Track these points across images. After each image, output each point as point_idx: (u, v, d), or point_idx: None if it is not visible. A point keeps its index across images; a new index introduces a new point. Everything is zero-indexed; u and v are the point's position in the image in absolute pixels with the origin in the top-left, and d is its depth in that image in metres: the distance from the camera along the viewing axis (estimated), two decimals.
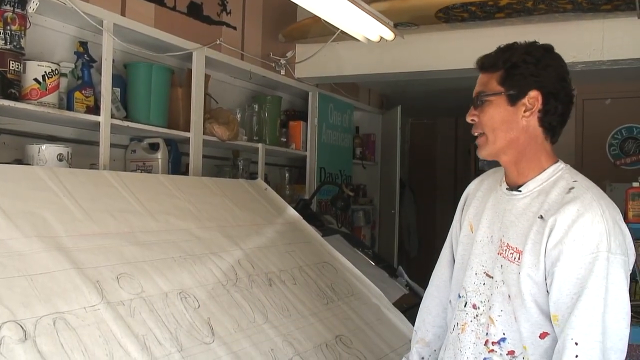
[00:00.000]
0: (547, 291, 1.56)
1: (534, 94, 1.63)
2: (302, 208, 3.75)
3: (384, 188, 5.76)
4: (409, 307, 3.51)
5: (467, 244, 1.82)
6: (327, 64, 4.26)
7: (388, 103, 6.07)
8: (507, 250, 1.64)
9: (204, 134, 3.42)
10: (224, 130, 3.50)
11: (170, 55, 3.28)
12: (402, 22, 3.56)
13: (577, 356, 1.46)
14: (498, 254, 1.67)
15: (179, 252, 2.29)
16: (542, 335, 1.59)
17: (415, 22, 3.63)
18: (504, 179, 1.75)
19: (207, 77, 3.52)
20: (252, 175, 3.84)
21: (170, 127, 3.22)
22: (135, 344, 1.76)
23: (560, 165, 1.68)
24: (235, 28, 3.80)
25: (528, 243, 1.59)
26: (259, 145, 3.90)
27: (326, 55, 4.11)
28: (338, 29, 3.28)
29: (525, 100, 1.64)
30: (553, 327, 1.56)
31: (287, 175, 4.50)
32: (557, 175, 1.65)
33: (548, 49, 1.69)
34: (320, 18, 3.14)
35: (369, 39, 3.27)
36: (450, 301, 1.87)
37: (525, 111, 1.64)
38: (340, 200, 4.03)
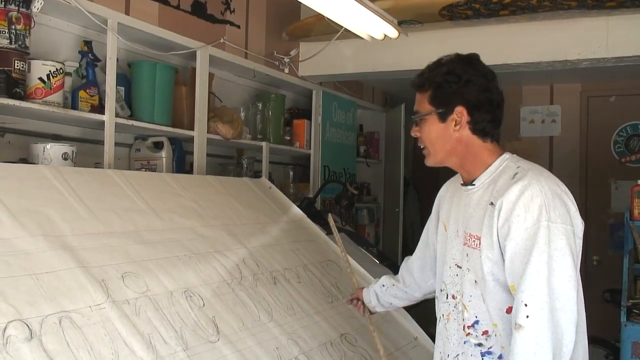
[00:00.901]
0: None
1: (459, 109, 1.80)
2: (306, 206, 3.74)
3: (388, 186, 5.75)
4: (413, 305, 3.52)
5: (443, 242, 1.97)
6: (330, 62, 4.25)
7: (392, 101, 6.06)
8: (470, 239, 1.80)
9: (208, 132, 3.42)
10: (228, 129, 3.50)
11: (174, 54, 3.28)
12: (406, 20, 3.55)
13: (527, 316, 1.61)
14: (464, 244, 1.83)
15: (184, 250, 2.29)
16: (508, 310, 1.72)
17: (419, 20, 3.62)
18: (461, 179, 1.93)
19: (211, 76, 3.52)
20: (256, 174, 3.85)
21: (174, 125, 3.22)
22: (140, 342, 1.76)
23: (506, 156, 1.83)
24: (239, 26, 3.80)
25: (483, 228, 1.75)
26: (263, 143, 3.90)
27: (330, 53, 4.10)
28: (342, 27, 3.27)
29: (454, 115, 1.81)
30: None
31: (291, 173, 4.50)
32: (504, 165, 1.80)
33: (470, 62, 1.84)
34: (323, 16, 3.13)
35: (372, 37, 3.26)
36: (436, 295, 2.03)
37: (455, 125, 1.81)
38: (345, 199, 4.02)
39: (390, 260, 3.99)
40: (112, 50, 2.78)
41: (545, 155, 5.85)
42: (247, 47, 3.88)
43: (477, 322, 1.79)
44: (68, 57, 2.75)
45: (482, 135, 1.82)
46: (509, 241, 1.68)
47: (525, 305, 1.61)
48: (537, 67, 3.96)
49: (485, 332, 1.77)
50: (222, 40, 3.57)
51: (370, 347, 2.57)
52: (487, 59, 4.12)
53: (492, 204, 1.74)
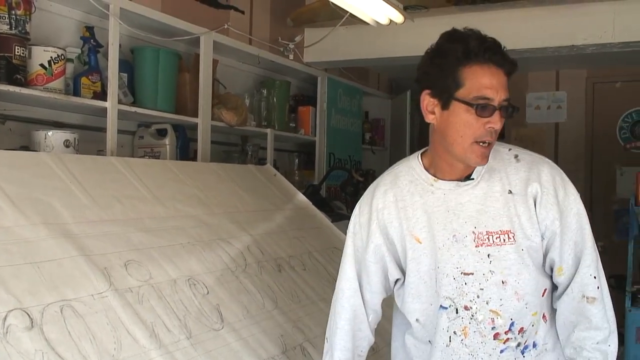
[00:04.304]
0: (543, 251, 1.66)
1: None
2: (311, 193, 3.72)
3: None
4: None
5: (427, 255, 1.68)
6: (335, 49, 4.22)
7: (397, 88, 6.02)
8: (491, 237, 1.64)
9: (212, 119, 3.39)
10: (232, 116, 3.47)
11: (178, 39, 3.24)
12: (411, 5, 3.51)
13: (598, 287, 1.62)
14: (477, 246, 1.63)
15: (187, 238, 2.27)
16: (543, 293, 1.68)
17: (425, 5, 3.58)
18: (433, 178, 1.68)
19: (215, 62, 3.49)
20: (261, 161, 3.82)
21: (178, 112, 3.19)
22: (143, 330, 1.74)
23: None
24: (243, 12, 3.76)
25: (515, 219, 1.62)
26: (268, 130, 3.87)
27: (335, 39, 4.06)
28: (347, 12, 3.23)
29: None
30: (549, 280, 1.69)
31: (296, 160, 4.48)
32: None
33: None
34: (328, 1, 3.09)
35: (378, 22, 3.22)
36: (417, 319, 1.75)
37: None
38: (350, 186, 4.00)
39: None
40: (114, 36, 2.75)
41: (551, 141, 5.81)
42: (251, 33, 3.84)
43: (512, 323, 1.66)
44: (69, 43, 2.72)
45: None
46: (562, 223, 1.62)
47: (594, 277, 1.62)
48: (543, 52, 3.92)
49: (521, 330, 1.67)
50: (226, 26, 3.54)
51: (375, 334, 2.55)
52: None
53: (511, 192, 1.63)
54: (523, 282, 1.64)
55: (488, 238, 1.63)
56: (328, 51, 4.23)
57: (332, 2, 3.11)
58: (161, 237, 2.17)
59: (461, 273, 1.65)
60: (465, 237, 1.64)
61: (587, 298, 1.62)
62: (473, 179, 1.66)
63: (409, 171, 1.72)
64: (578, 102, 5.75)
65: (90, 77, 2.66)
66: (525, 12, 3.72)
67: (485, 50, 1.53)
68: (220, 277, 2.21)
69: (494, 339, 1.66)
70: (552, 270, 1.68)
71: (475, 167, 1.65)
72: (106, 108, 2.71)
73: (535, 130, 5.86)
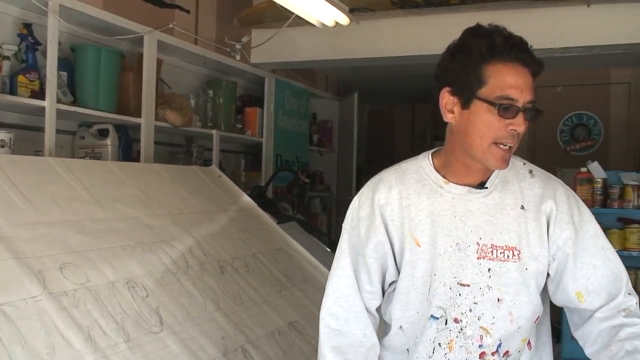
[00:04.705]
0: (548, 273, 1.56)
1: None
2: (258, 195, 3.71)
3: (341, 175, 5.76)
4: None
5: (417, 260, 1.56)
6: (283, 50, 4.22)
7: (345, 90, 6.06)
8: (495, 251, 1.53)
9: (156, 119, 3.35)
10: (176, 116, 3.43)
11: (120, 38, 3.19)
12: (357, 8, 3.54)
13: (636, 302, 1.53)
14: (478, 258, 1.53)
15: (128, 240, 2.23)
16: (536, 319, 1.59)
17: (371, 8, 3.61)
18: (444, 180, 1.57)
19: (159, 62, 3.45)
20: (207, 162, 3.79)
21: (120, 112, 3.14)
22: (78, 335, 1.71)
23: None
24: (188, 12, 3.73)
25: (523, 236, 1.53)
26: (214, 131, 3.85)
27: (282, 40, 4.06)
28: (293, 13, 3.24)
29: None
30: (543, 306, 1.59)
31: (243, 162, 4.46)
32: None
33: None
34: (275, 2, 3.09)
35: (324, 24, 3.24)
36: (401, 327, 1.62)
37: None
38: (296, 187, 4.01)
39: None
40: (53, 34, 2.69)
41: None
42: (197, 33, 3.81)
43: (500, 345, 1.55)
44: (6, 40, 2.65)
45: None
46: (577, 245, 1.53)
47: (629, 294, 1.53)
48: None
49: (507, 353, 1.56)
50: (170, 26, 3.50)
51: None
52: (439, 48, 4.13)
53: (523, 207, 1.54)
54: (520, 303, 1.54)
55: (492, 252, 1.53)
56: (275, 52, 4.23)
57: (278, 4, 3.11)
58: (100, 239, 2.13)
59: (457, 283, 1.54)
60: (469, 247, 1.53)
61: (626, 310, 1.51)
62: (487, 187, 1.55)
63: (417, 170, 1.60)
64: None
65: (27, 75, 2.60)
66: (469, 17, 3.74)
67: (512, 47, 1.42)
68: (161, 280, 2.18)
69: (480, 358, 1.55)
70: (551, 293, 1.59)
71: (490, 175, 1.55)
72: (44, 107, 2.64)
73: None
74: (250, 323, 2.34)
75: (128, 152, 3.26)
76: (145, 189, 2.61)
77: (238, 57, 4.14)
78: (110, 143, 3.08)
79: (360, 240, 1.62)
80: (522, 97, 1.42)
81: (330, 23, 3.21)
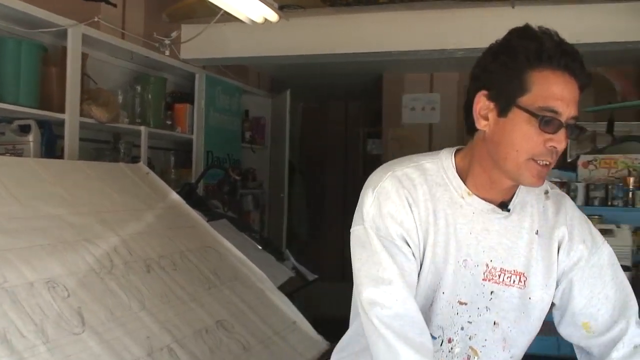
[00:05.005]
0: (553, 302, 1.50)
1: None
2: (188, 193, 3.66)
3: (273, 172, 5.75)
4: (295, 289, 3.54)
5: (423, 271, 1.42)
6: (213, 45, 4.18)
7: (278, 87, 6.05)
8: (502, 275, 1.44)
9: (81, 115, 3.27)
10: (102, 112, 3.36)
11: (43, 31, 3.09)
12: (288, 4, 3.54)
13: None
14: (484, 280, 1.43)
15: (49, 239, 2.16)
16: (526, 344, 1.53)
17: (301, 5, 3.62)
18: (467, 191, 1.42)
19: (84, 56, 3.36)
20: (135, 159, 3.72)
21: (43, 108, 3.04)
22: None
23: None
24: (115, 5, 3.64)
25: (533, 263, 1.44)
26: (142, 128, 3.78)
27: (212, 36, 4.03)
28: (221, 9, 3.21)
29: None
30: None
31: (173, 159, 4.40)
32: None
33: None
34: None
35: (253, 20, 3.23)
36: None
37: None
38: (227, 185, 3.98)
39: (273, 246, 3.99)
40: None
41: (425, 142, 6.04)
42: (124, 28, 3.73)
43: None
44: None
45: None
46: (587, 273, 1.46)
47: (636, 322, 1.45)
48: (416, 55, 4.08)
49: None
50: (96, 19, 3.41)
51: (248, 333, 2.56)
52: (368, 47, 4.21)
53: (537, 232, 1.45)
54: (516, 331, 1.46)
55: (499, 275, 1.44)
56: (205, 48, 4.19)
57: None
58: (18, 238, 2.06)
59: (458, 301, 1.44)
60: (476, 267, 1.43)
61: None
62: (509, 210, 1.43)
63: (439, 172, 1.44)
64: (450, 104, 6.01)
65: None
66: (399, 16, 3.85)
67: (563, 54, 1.29)
68: (84, 279, 2.12)
69: None
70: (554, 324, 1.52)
71: (512, 195, 1.44)
72: None
73: (410, 131, 6.08)
74: (177, 322, 2.31)
75: (51, 148, 3.16)
76: (69, 186, 2.54)
77: (167, 53, 4.07)
78: (32, 139, 2.99)
79: (391, 233, 1.38)
80: (567, 111, 1.29)
81: (259, 19, 3.20)
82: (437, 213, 1.40)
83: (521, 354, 1.50)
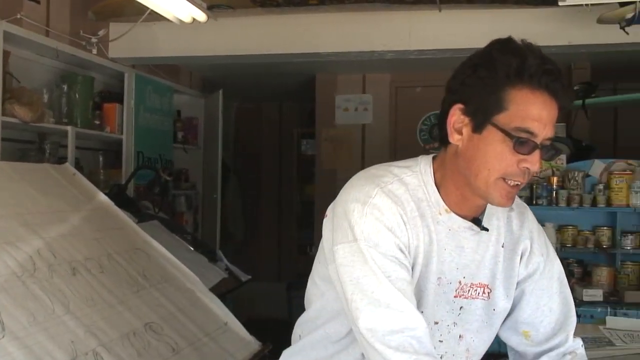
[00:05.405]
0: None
1: None
2: (117, 194, 3.60)
3: (206, 173, 5.71)
4: (228, 290, 3.53)
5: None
6: (142, 44, 4.12)
7: (211, 86, 6.01)
8: (471, 289, 1.42)
9: (3, 115, 3.18)
10: (26, 112, 3.26)
11: None
12: (217, 4, 3.53)
13: (582, 345, 1.50)
14: (455, 297, 1.41)
15: None
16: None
17: (231, 5, 3.61)
18: (445, 207, 1.37)
19: (6, 54, 3.27)
20: (62, 160, 3.62)
21: None
22: None
23: None
24: (38, 2, 3.54)
25: (498, 275, 1.43)
26: (68, 128, 3.69)
27: (141, 35, 3.97)
28: (149, 8, 3.17)
29: None
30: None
31: (102, 159, 4.31)
32: None
33: None
34: None
35: (181, 20, 3.20)
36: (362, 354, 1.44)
37: None
38: (157, 185, 3.92)
39: (206, 247, 3.96)
40: None
41: (358, 142, 6.11)
42: (48, 25, 3.64)
43: None
44: None
45: None
46: (537, 286, 1.47)
47: (575, 339, 1.50)
48: (347, 56, 4.14)
49: None
50: (19, 16, 3.31)
51: (177, 335, 2.54)
52: (298, 48, 4.23)
53: (503, 245, 1.44)
54: (479, 342, 1.46)
55: (469, 290, 1.42)
56: (134, 47, 4.13)
57: None
58: None
59: (433, 322, 1.40)
60: (449, 284, 1.39)
61: (572, 354, 1.47)
62: (487, 230, 1.41)
63: (420, 186, 1.38)
64: (382, 104, 6.10)
65: None
66: (329, 17, 3.89)
67: (544, 72, 1.24)
68: (4, 283, 2.06)
69: None
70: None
71: (484, 210, 1.42)
72: None
73: (343, 131, 6.13)
74: (104, 325, 2.27)
75: None
76: None
77: (95, 51, 3.98)
78: None
79: (390, 247, 1.32)
80: (544, 132, 1.25)
81: (187, 19, 3.17)
82: (423, 229, 1.36)
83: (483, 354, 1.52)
